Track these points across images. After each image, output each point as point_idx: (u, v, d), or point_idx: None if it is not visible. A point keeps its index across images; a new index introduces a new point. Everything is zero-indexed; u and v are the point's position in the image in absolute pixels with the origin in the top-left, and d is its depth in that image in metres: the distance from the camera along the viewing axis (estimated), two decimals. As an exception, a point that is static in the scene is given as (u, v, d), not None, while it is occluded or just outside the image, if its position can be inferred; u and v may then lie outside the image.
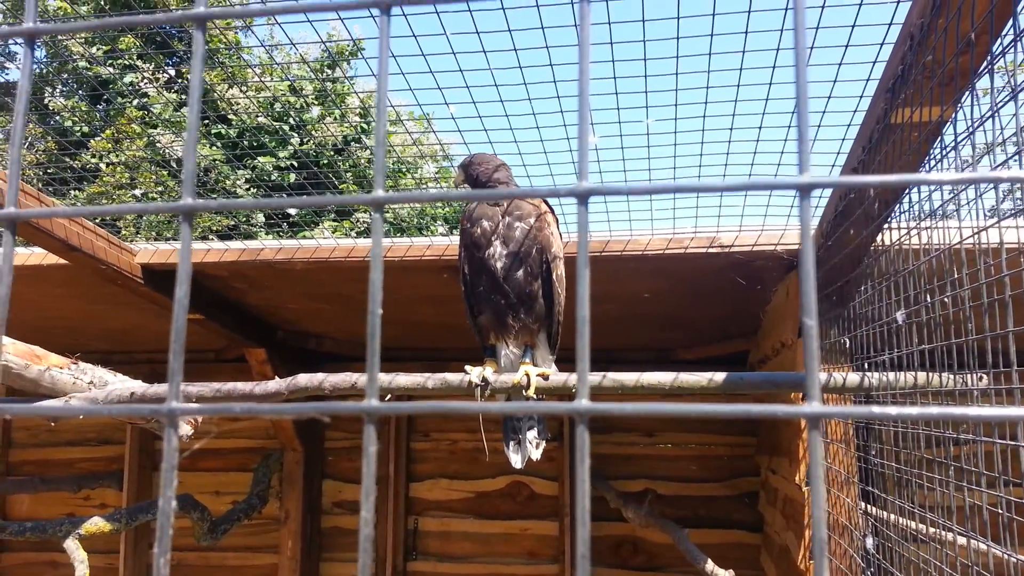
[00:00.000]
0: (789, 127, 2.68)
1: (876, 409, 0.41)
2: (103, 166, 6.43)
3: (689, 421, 5.49)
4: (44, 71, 7.36)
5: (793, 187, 0.47)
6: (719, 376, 2.17)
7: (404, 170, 7.17)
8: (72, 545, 3.76)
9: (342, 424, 5.69)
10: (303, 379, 1.97)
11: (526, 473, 5.58)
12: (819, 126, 2.51)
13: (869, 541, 2.42)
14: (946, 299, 1.66)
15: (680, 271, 3.67)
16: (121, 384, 2.03)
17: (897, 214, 2.37)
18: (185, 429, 2.22)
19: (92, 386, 1.99)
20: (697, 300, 4.22)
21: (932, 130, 2.06)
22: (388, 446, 5.57)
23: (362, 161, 6.99)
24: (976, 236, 1.64)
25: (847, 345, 2.56)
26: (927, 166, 2.16)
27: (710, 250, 3.42)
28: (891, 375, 2.03)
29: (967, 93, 1.87)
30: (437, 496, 5.61)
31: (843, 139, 2.56)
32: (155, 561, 0.43)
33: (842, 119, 2.48)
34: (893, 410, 0.40)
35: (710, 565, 3.48)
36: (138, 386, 1.91)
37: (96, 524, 3.88)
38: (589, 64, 0.46)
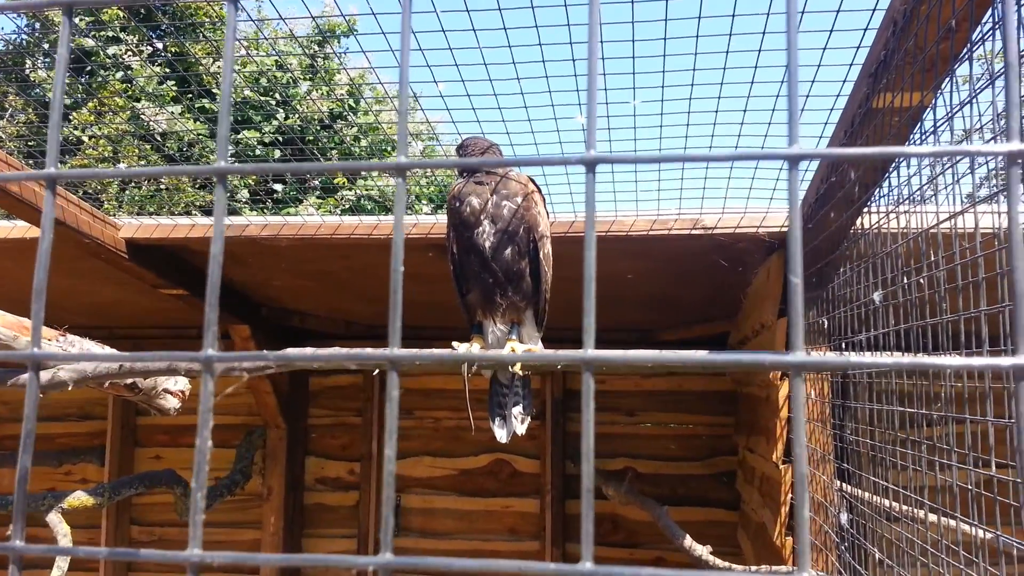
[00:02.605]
0: (774, 110, 2.71)
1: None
2: (85, 138, 6.37)
3: (669, 400, 5.55)
4: (26, 42, 7.26)
5: (782, 157, 0.50)
6: (701, 354, 2.21)
7: (390, 149, 7.15)
8: (55, 519, 3.77)
9: (324, 402, 5.71)
10: (293, 352, 1.99)
11: (509, 451, 5.63)
12: (803, 109, 2.55)
13: (844, 517, 2.49)
14: (921, 280, 1.71)
15: (664, 253, 3.71)
16: (108, 356, 2.04)
17: (876, 198, 2.42)
18: (173, 403, 2.23)
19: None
20: (679, 282, 4.27)
21: (912, 115, 2.10)
22: (372, 423, 5.60)
23: (348, 138, 6.97)
24: (952, 220, 1.68)
25: (825, 326, 2.61)
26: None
27: (693, 232, 3.46)
28: (868, 356, 2.07)
29: (947, 79, 1.91)
30: (420, 473, 5.66)
31: (826, 123, 2.60)
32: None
33: (825, 103, 2.52)
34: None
35: (688, 541, 3.55)
36: (128, 356, 1.93)
37: (79, 498, 3.89)
38: (598, 39, 0.49)
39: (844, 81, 2.37)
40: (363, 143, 7.06)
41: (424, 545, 5.58)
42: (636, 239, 3.51)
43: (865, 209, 2.41)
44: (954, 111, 1.70)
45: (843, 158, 1.93)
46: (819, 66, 2.36)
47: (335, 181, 6.08)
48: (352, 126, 6.73)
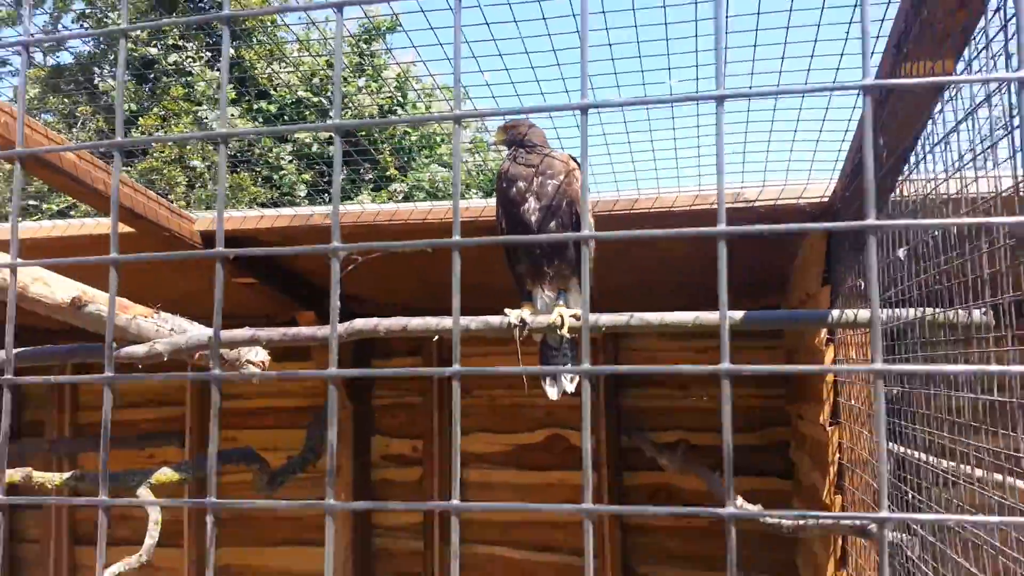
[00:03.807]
0: (809, 70, 2.79)
1: (928, 367, 0.61)
2: (154, 143, 6.74)
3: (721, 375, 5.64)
4: (92, 53, 7.69)
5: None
6: (738, 314, 2.36)
7: (439, 140, 7.37)
8: (144, 492, 4.08)
9: (387, 383, 5.97)
10: (359, 323, 2.20)
11: (563, 427, 5.82)
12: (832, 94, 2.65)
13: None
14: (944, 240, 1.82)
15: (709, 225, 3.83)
16: (198, 330, 2.28)
17: (911, 164, 2.51)
18: (254, 370, 2.47)
19: (173, 332, 2.24)
20: (740, 265, 4.37)
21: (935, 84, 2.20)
22: (432, 403, 5.84)
23: (398, 131, 7.22)
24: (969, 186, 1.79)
25: (862, 288, 2.72)
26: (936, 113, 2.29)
27: (735, 205, 3.57)
28: (899, 311, 2.20)
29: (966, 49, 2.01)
30: (479, 449, 5.88)
31: (853, 107, 2.70)
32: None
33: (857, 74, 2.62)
34: (949, 368, 0.60)
35: (740, 501, 3.68)
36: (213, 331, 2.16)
37: (165, 474, 4.20)
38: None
39: (874, 52, 2.48)
40: (414, 136, 7.29)
41: (483, 517, 5.81)
42: (680, 215, 3.64)
43: (899, 178, 2.51)
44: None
45: (910, 87, 2.05)
46: (847, 39, 2.47)
47: (387, 174, 6.32)
48: (401, 119, 6.96)
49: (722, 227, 0.58)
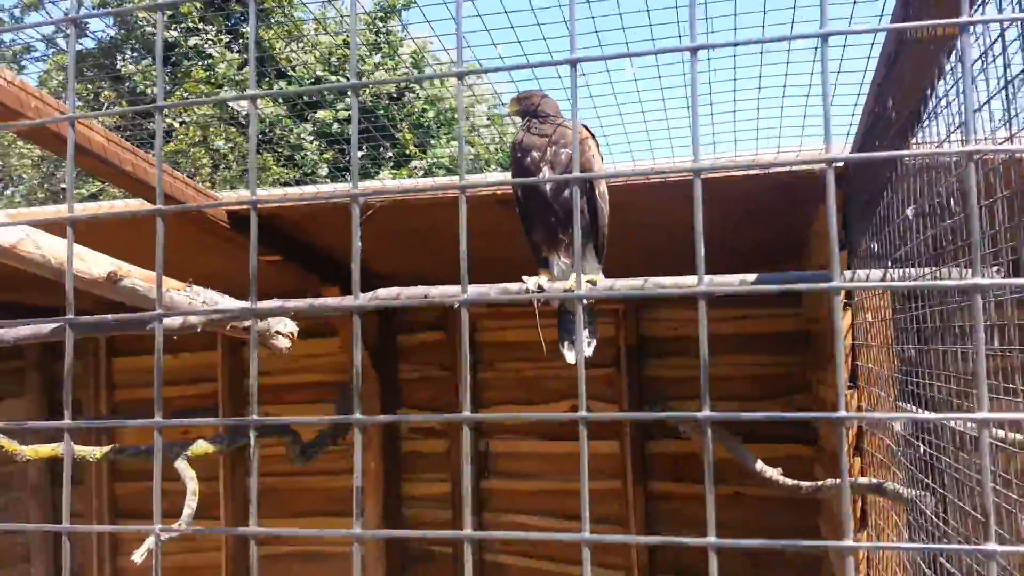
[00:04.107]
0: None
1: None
2: (176, 125, 6.88)
3: (739, 343, 5.68)
4: (114, 38, 7.82)
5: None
6: (749, 277, 2.41)
7: (455, 117, 7.40)
8: (182, 465, 4.22)
9: (411, 358, 6.08)
10: (382, 292, 2.28)
11: (587, 398, 5.89)
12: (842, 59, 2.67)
13: (898, 427, 2.64)
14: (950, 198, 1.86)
15: (723, 196, 3.85)
16: (229, 302, 2.38)
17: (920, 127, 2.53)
18: (284, 343, 2.57)
19: (204, 304, 2.34)
20: (741, 226, 4.40)
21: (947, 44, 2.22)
22: (457, 376, 5.95)
23: (416, 109, 7.28)
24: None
25: (876, 249, 2.75)
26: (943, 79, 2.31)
27: (749, 173, 3.60)
28: (910, 271, 2.24)
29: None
30: (505, 422, 5.98)
31: (865, 70, 2.71)
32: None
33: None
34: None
35: (760, 465, 3.74)
36: (244, 303, 2.26)
37: (201, 446, 4.34)
38: None
39: (881, 16, 2.49)
40: (431, 113, 7.35)
41: (510, 485, 5.93)
42: (680, 184, 3.67)
43: (913, 140, 2.53)
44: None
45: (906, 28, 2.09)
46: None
47: (407, 152, 6.38)
48: (419, 97, 7.03)
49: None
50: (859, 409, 3.62)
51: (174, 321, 2.24)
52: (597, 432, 5.87)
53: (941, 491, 2.47)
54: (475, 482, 5.95)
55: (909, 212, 2.00)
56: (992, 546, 0.54)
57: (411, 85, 6.86)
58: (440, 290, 2.30)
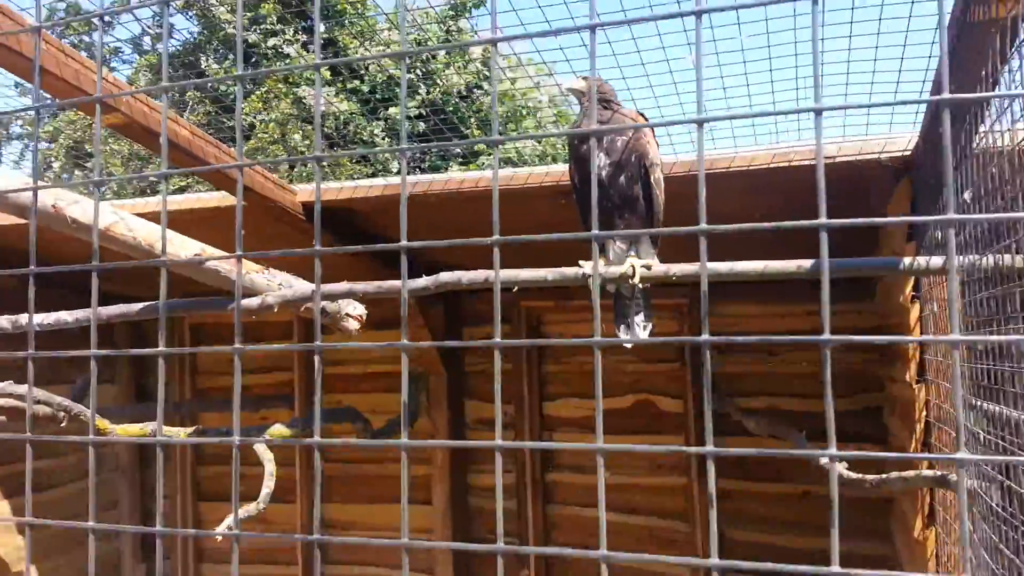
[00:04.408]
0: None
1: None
2: (256, 123, 7.19)
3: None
4: (198, 40, 8.21)
5: None
6: (806, 263, 2.43)
7: (524, 113, 7.52)
8: (261, 448, 4.44)
9: (478, 351, 6.20)
10: (445, 276, 2.39)
11: (652, 392, 5.92)
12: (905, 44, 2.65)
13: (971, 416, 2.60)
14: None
15: (787, 187, 3.83)
16: (303, 285, 2.53)
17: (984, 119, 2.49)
18: (354, 325, 2.70)
19: (281, 286, 2.49)
20: (807, 217, 4.35)
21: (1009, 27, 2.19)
22: (521, 369, 6.04)
23: (484, 105, 7.41)
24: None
25: (940, 237, 2.72)
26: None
27: (813, 162, 3.57)
28: (970, 257, 2.22)
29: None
30: (568, 414, 6.05)
31: (930, 56, 2.69)
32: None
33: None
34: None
35: (824, 460, 3.72)
36: (312, 286, 2.41)
37: (278, 429, 4.56)
38: None
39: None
40: (501, 110, 7.48)
41: (573, 479, 5.98)
42: (757, 173, 3.66)
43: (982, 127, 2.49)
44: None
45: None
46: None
47: (475, 148, 6.51)
48: (488, 94, 7.15)
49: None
50: (926, 404, 3.56)
51: (252, 302, 2.39)
52: (660, 427, 5.88)
53: (1012, 483, 2.43)
54: (540, 475, 6.04)
55: (967, 195, 2.00)
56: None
57: (480, 82, 7.02)
58: (506, 273, 2.39)
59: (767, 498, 5.63)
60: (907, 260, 2.45)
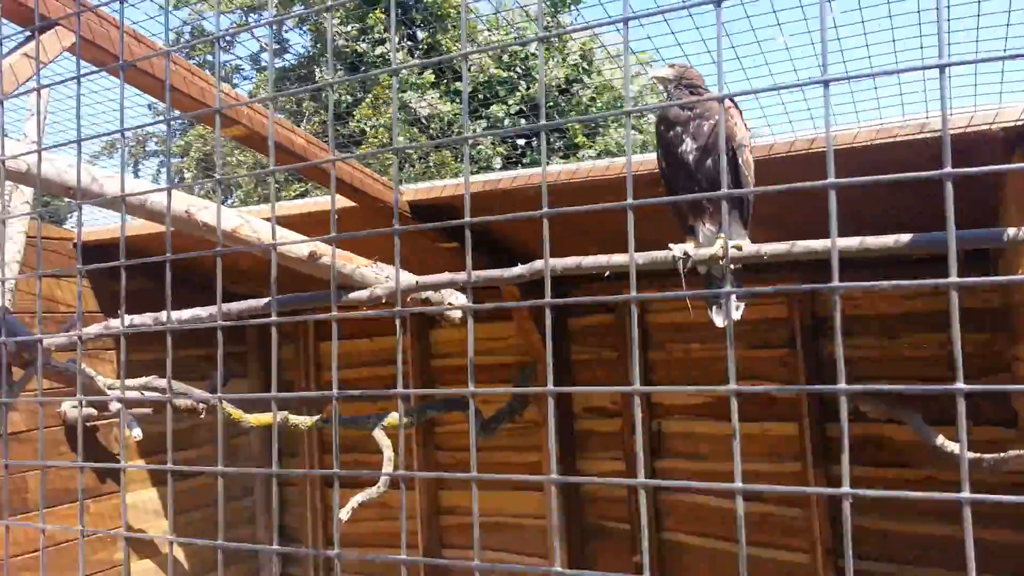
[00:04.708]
0: None
1: None
2: (367, 130, 7.55)
3: (932, 321, 5.38)
4: (311, 53, 8.69)
5: None
6: (904, 237, 2.40)
7: (621, 104, 7.55)
8: (379, 434, 4.71)
9: (582, 340, 6.29)
10: (538, 263, 2.51)
11: (761, 378, 5.85)
12: None
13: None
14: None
15: (893, 164, 3.73)
16: (408, 276, 2.70)
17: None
18: (457, 314, 2.87)
19: (388, 279, 2.68)
20: (917, 195, 4.22)
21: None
22: (627, 357, 6.09)
23: (584, 99, 7.49)
24: None
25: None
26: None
27: (919, 136, 3.47)
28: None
29: None
30: (678, 401, 6.05)
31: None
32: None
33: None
34: None
35: (940, 439, 3.62)
36: (420, 278, 2.58)
37: (394, 418, 4.81)
38: None
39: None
40: (599, 103, 7.54)
41: (684, 466, 5.98)
42: (861, 151, 3.59)
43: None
44: None
45: None
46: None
47: (575, 141, 6.60)
48: (587, 87, 7.23)
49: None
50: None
51: (362, 294, 2.59)
52: (774, 414, 5.79)
53: None
54: (649, 462, 6.07)
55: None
56: None
57: (579, 75, 7.11)
58: (592, 259, 2.49)
59: (889, 484, 5.46)
60: (1011, 231, 2.38)
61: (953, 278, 0.80)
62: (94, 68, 2.16)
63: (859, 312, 5.60)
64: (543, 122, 0.89)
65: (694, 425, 6.01)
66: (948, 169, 0.81)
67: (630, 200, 0.91)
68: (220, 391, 1.82)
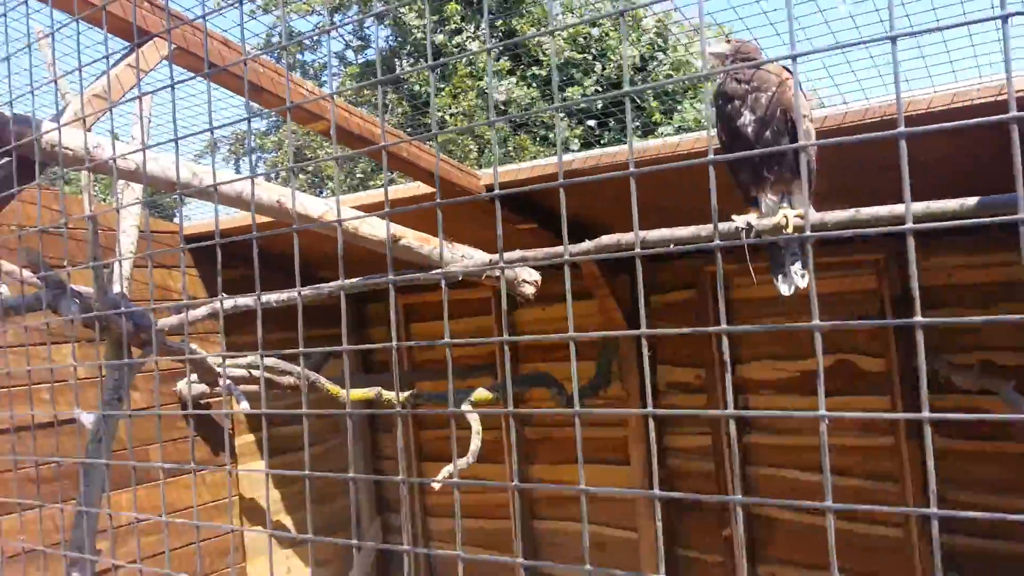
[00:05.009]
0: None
1: None
2: (447, 118, 7.76)
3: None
4: (393, 47, 8.97)
5: None
6: (971, 201, 2.39)
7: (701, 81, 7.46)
8: (467, 408, 4.91)
9: (664, 316, 6.33)
10: (605, 238, 2.62)
11: (850, 352, 5.76)
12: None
13: None
14: None
15: (970, 128, 3.63)
16: (482, 255, 2.86)
17: None
18: (529, 290, 3.01)
19: (464, 258, 2.84)
20: (996, 161, 4.08)
21: None
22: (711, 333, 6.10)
23: (660, 76, 7.46)
24: None
25: None
26: None
27: (999, 98, 3.38)
28: None
29: None
30: (764, 376, 6.02)
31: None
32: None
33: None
34: None
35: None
36: (491, 256, 2.73)
37: (481, 393, 5.01)
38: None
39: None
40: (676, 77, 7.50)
41: (771, 441, 5.97)
42: (940, 116, 3.52)
43: None
44: None
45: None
46: None
47: (653, 119, 6.61)
48: (663, 64, 7.20)
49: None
50: None
51: (438, 272, 2.75)
52: (865, 388, 5.70)
53: None
54: (737, 436, 6.08)
55: None
56: None
57: (654, 53, 7.08)
58: (656, 234, 2.58)
59: (984, 457, 5.30)
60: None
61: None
62: (189, 75, 2.40)
63: (953, 282, 5.44)
64: (627, 88, 1.01)
65: (780, 400, 5.98)
66: (1013, 112, 0.85)
67: (711, 156, 1.01)
68: (301, 368, 2.02)
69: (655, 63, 7.14)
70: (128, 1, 2.28)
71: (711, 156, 1.12)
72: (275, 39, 9.21)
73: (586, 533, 1.26)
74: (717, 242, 1.02)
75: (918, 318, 0.98)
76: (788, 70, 2.55)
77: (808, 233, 1.04)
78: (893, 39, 0.92)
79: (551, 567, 6.59)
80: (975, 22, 1.14)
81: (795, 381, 5.92)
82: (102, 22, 2.20)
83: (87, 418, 2.57)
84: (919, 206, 2.42)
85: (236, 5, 1.29)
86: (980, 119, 0.98)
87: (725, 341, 1.08)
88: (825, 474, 1.05)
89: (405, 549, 1.27)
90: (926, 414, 0.95)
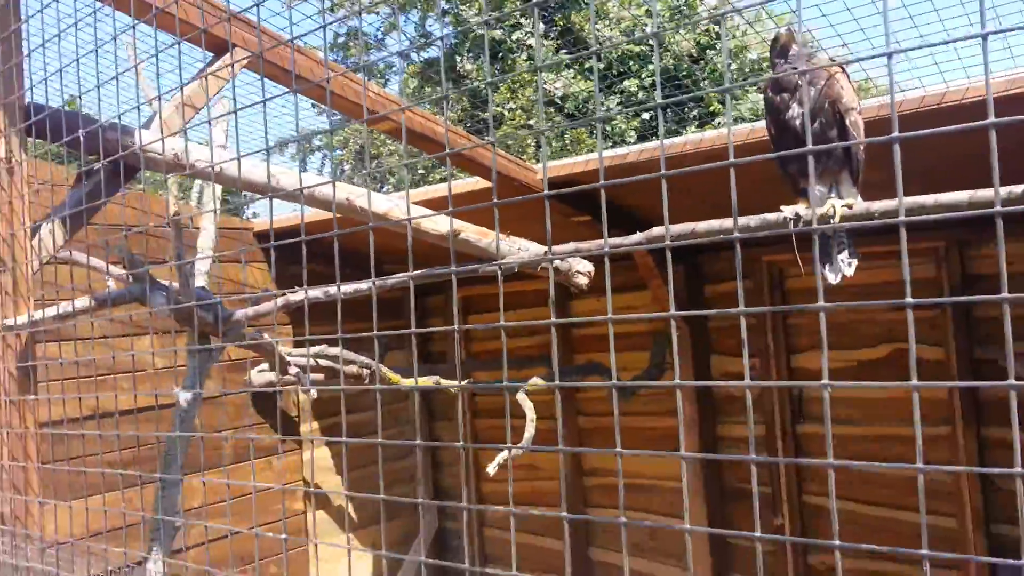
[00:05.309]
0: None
1: None
2: (506, 113, 7.90)
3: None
4: (454, 44, 9.14)
5: None
6: (1018, 188, 2.43)
7: (763, 67, 7.45)
8: (522, 396, 5.06)
9: (720, 306, 6.36)
10: (656, 230, 2.72)
11: (907, 340, 5.71)
12: None
13: None
14: None
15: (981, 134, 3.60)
16: (537, 247, 2.99)
17: None
18: (583, 281, 3.13)
19: (520, 250, 2.97)
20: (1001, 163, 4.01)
21: None
22: (765, 322, 6.13)
23: (718, 66, 7.46)
24: None
25: None
26: None
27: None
28: None
29: None
30: (818, 365, 6.02)
31: None
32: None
33: None
34: None
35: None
36: (546, 248, 2.86)
37: (535, 382, 5.14)
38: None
39: None
40: (733, 67, 7.48)
41: (824, 431, 5.96)
42: (976, 107, 3.50)
43: None
44: None
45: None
46: None
47: (711, 109, 6.64)
48: (719, 52, 7.20)
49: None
50: None
51: (495, 264, 2.89)
52: (921, 376, 5.65)
53: None
54: (790, 426, 6.10)
55: None
56: None
57: (712, 42, 7.09)
58: (706, 224, 2.66)
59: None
60: None
61: None
62: (277, 91, 2.58)
63: (1013, 269, 5.37)
64: (658, 99, 1.13)
65: (839, 391, 5.97)
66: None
67: (731, 159, 1.12)
68: (371, 358, 2.17)
69: (713, 52, 7.14)
70: (223, 22, 2.47)
71: (731, 159, 1.22)
72: (340, 39, 9.51)
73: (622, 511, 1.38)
74: (736, 235, 1.13)
75: (1004, 294, 1.04)
76: (836, 61, 2.61)
77: (880, 219, 1.14)
78: (985, 36, 0.97)
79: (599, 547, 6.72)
80: None
81: (850, 370, 5.91)
82: (200, 40, 2.39)
83: (184, 395, 2.79)
84: (963, 196, 2.46)
85: (319, 30, 1.44)
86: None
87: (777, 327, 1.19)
88: (922, 520, 1.14)
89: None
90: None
